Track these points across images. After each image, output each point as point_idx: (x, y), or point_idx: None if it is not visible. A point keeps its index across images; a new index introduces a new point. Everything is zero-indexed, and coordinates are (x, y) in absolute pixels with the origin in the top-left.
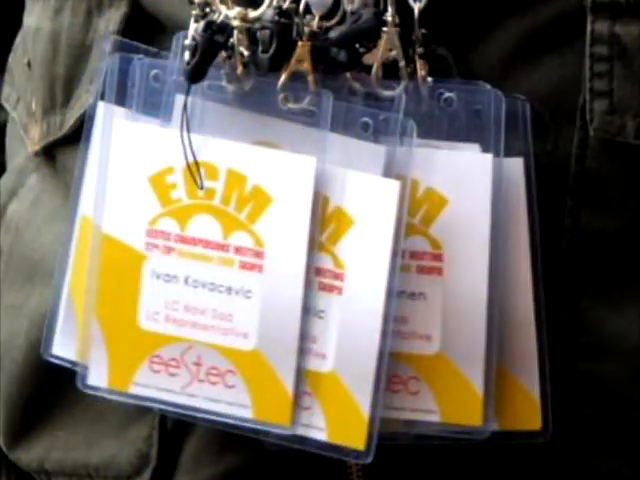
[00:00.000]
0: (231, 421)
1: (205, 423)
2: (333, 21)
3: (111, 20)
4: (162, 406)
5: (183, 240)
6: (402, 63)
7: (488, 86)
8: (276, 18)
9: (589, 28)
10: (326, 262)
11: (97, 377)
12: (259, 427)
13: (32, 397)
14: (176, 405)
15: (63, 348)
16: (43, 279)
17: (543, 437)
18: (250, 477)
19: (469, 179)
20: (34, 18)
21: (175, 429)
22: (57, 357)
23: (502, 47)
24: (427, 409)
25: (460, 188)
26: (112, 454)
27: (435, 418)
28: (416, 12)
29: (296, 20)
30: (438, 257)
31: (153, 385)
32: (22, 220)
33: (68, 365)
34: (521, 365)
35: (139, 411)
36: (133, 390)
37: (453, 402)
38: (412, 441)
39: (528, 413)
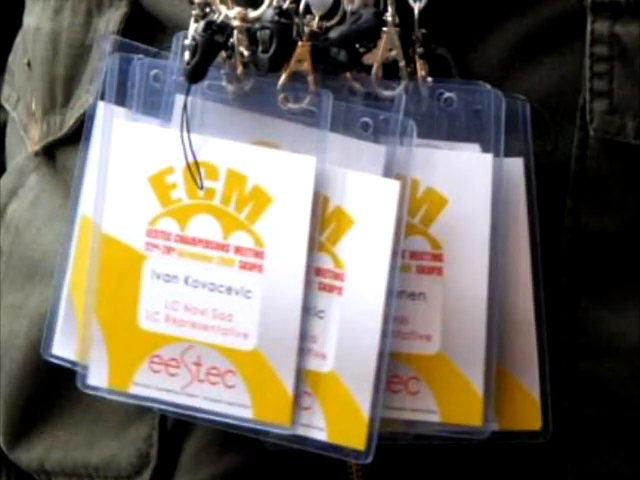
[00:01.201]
0: (231, 421)
1: (205, 423)
2: (333, 21)
3: (111, 20)
4: (162, 406)
5: (183, 240)
6: (402, 63)
7: (488, 86)
8: (276, 18)
9: (589, 28)
10: (326, 262)
11: (97, 377)
12: (259, 427)
13: (32, 397)
14: (176, 405)
15: (63, 348)
16: (43, 279)
17: (543, 437)
18: (250, 477)
19: (469, 179)
20: (34, 18)
21: (175, 429)
22: (57, 357)
23: (502, 47)
24: (427, 409)
25: (460, 188)
26: (112, 454)
27: (435, 418)
28: (416, 12)
29: (296, 20)
30: (438, 257)
31: (153, 385)
32: (22, 220)
33: (68, 365)
34: (521, 365)
35: (139, 411)
36: (133, 390)
37: (453, 402)
38: (412, 441)
39: (528, 413)
